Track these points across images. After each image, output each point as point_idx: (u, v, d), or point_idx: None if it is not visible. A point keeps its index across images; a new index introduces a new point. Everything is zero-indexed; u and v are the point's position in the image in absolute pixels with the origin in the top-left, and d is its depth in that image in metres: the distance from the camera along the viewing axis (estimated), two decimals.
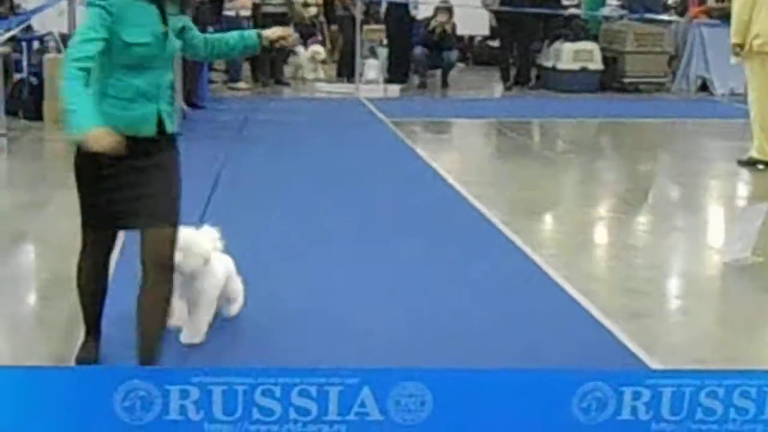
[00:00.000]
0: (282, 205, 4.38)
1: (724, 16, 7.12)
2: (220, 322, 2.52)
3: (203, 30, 4.21)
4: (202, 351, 2.31)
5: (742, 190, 5.29)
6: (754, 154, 5.11)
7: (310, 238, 3.83)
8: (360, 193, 4.79)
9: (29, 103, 5.98)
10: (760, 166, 5.10)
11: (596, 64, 8.35)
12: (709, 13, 8.26)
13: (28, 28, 6.86)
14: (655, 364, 2.39)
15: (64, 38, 6.04)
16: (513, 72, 8.73)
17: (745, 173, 5.40)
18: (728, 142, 6.24)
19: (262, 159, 5.50)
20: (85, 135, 1.69)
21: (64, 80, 1.77)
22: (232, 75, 8.53)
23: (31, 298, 3.00)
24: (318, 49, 8.59)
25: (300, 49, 8.60)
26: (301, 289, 3.06)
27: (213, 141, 5.82)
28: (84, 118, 1.70)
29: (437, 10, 8.55)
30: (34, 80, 6.05)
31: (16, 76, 6.33)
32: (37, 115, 5.80)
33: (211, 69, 8.30)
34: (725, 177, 5.44)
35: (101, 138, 1.67)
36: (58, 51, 6.04)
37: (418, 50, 8.44)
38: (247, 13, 8.12)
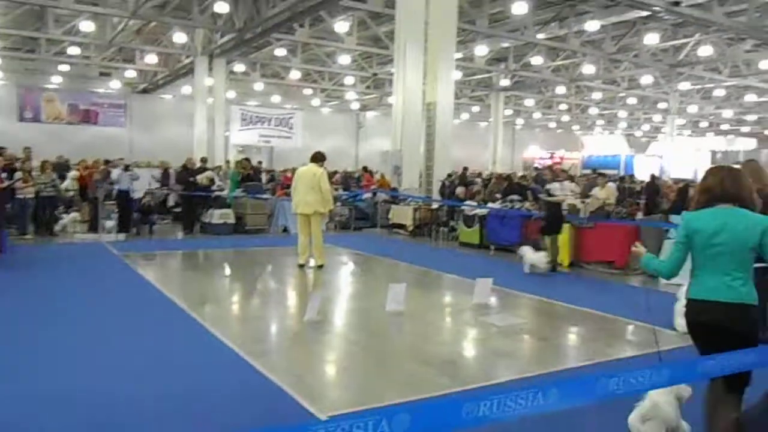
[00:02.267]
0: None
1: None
2: None
3: (1, 209, 10.00)
4: None
5: (296, 282, 9.65)
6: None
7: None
8: (97, 298, 7.51)
9: None
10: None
11: (232, 220, 15.18)
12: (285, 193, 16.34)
13: None
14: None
15: None
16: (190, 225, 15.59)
17: (294, 271, 10.45)
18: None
19: (42, 275, 9.06)
20: None
21: None
22: (22, 229, 13.19)
23: None
24: (76, 215, 14.56)
25: (64, 215, 14.49)
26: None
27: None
28: None
29: (147, 192, 15.22)
30: None
31: None
32: None
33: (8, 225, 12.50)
34: (292, 274, 10.27)
35: None
36: None
37: (135, 215, 14.85)
38: (31, 196, 13.13)
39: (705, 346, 3.34)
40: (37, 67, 31.24)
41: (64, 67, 30.28)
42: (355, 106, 41.48)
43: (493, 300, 8.17)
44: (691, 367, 2.23)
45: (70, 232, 14.08)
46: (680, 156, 34.62)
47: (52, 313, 7.02)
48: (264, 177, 19.73)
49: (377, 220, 16.87)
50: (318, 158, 10.49)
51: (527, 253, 10.43)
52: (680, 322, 5.79)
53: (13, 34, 24.34)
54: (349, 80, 32.17)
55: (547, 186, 11.40)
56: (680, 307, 5.62)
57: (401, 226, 16.23)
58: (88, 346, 5.83)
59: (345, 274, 10.99)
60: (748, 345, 2.96)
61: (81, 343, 5.93)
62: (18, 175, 12.68)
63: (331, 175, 23.40)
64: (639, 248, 3.93)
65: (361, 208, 17.17)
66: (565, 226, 11.45)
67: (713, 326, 3.27)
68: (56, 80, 32.85)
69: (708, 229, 3.31)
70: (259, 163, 24.09)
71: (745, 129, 47.54)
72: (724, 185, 3.43)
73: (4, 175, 11.68)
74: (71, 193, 15.15)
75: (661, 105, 38.24)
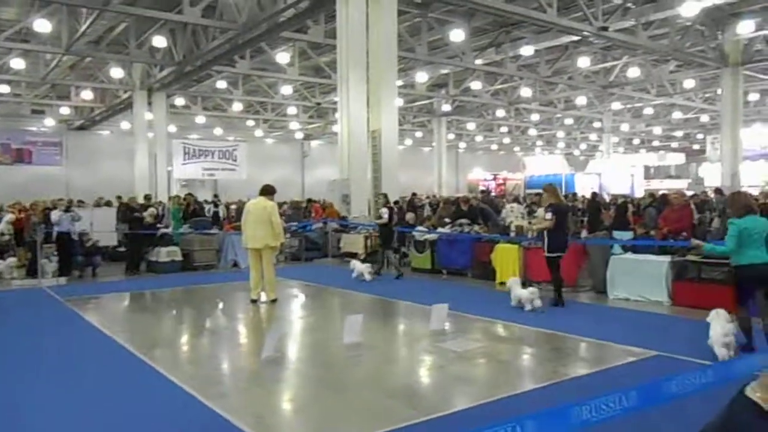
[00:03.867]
0: None
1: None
2: None
3: None
4: None
5: (250, 318, 9.52)
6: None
7: None
8: (40, 347, 7.13)
9: None
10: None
11: (179, 257, 14.78)
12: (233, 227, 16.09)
13: None
14: None
15: None
16: (135, 264, 15.11)
17: (246, 307, 10.16)
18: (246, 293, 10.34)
19: None
20: None
21: None
22: None
23: None
24: (13, 260, 13.90)
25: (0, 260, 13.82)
26: None
27: None
28: None
29: (82, 234, 14.60)
30: None
31: None
32: None
33: None
34: (245, 310, 9.83)
35: None
36: None
37: (79, 257, 14.24)
38: None
39: (756, 288, 6.55)
40: None
41: None
42: (300, 135, 41.49)
43: (449, 325, 8.21)
44: (655, 389, 2.30)
45: (7, 279, 13.43)
46: (617, 172, 35.93)
47: None
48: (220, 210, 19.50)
49: (328, 249, 16.79)
50: (268, 191, 10.40)
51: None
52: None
53: None
54: (292, 110, 32.22)
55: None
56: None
57: (353, 255, 16.17)
58: (33, 400, 5.53)
59: (299, 307, 10.85)
60: None
61: (24, 398, 5.62)
62: None
63: (279, 206, 23.31)
64: (697, 242, 7.78)
65: (311, 238, 17.05)
66: (513, 247, 11.69)
67: (759, 276, 6.47)
68: None
69: (749, 227, 6.50)
70: (215, 196, 23.82)
71: (674, 144, 49.92)
72: (749, 203, 6.94)
73: None
74: (6, 237, 14.46)
75: (596, 124, 39.81)
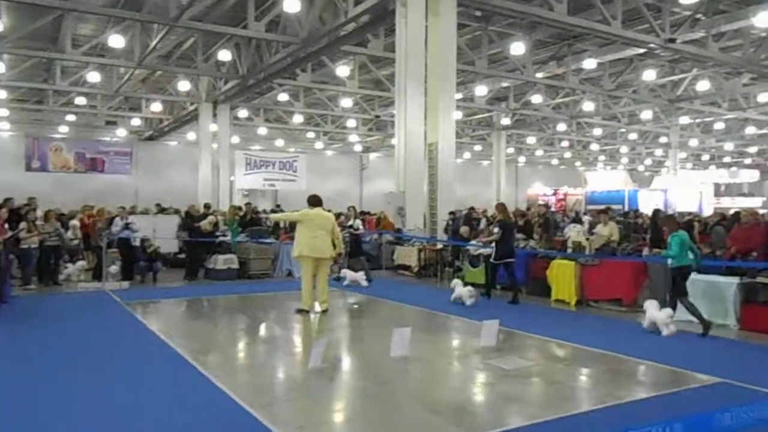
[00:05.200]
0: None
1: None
2: None
3: (5, 258, 10.00)
4: None
5: (300, 327, 9.43)
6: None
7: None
8: (98, 349, 7.45)
9: None
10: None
11: (236, 265, 15.22)
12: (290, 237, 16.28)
13: None
14: None
15: None
16: (194, 271, 15.52)
17: (298, 317, 9.89)
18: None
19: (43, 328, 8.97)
20: None
21: None
22: (25, 280, 13.23)
23: None
24: (83, 264, 14.53)
25: (69, 264, 14.47)
26: None
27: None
28: None
29: (144, 240, 15.08)
30: None
31: None
32: None
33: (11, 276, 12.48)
34: (296, 320, 9.76)
35: None
36: None
37: (141, 263, 14.76)
38: (35, 245, 13.15)
39: None
40: (44, 117, 31.73)
41: (71, 117, 30.74)
42: (358, 147, 41.83)
43: (500, 342, 8.03)
44: (705, 421, 2.14)
45: (75, 281, 14.04)
46: (684, 189, 34.53)
47: (51, 366, 6.93)
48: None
49: (382, 261, 16.77)
50: (320, 202, 10.48)
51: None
52: None
53: (22, 87, 24.79)
54: (351, 123, 32.49)
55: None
56: None
57: (406, 267, 16.12)
58: (88, 400, 5.71)
59: (349, 318, 10.85)
60: None
61: (81, 397, 5.81)
62: (22, 224, 12.68)
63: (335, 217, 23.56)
64: None
65: (365, 250, 17.08)
66: (570, 264, 11.36)
67: None
68: (63, 130, 33.32)
69: None
70: (278, 206, 24.23)
71: (747, 161, 47.59)
72: None
73: (6, 225, 11.68)
74: (75, 242, 15.13)
75: (663, 139, 38.40)
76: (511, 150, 40.50)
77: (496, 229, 11.83)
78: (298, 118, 31.07)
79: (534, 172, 50.45)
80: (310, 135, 37.30)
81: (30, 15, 16.67)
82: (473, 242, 14.37)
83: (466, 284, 11.92)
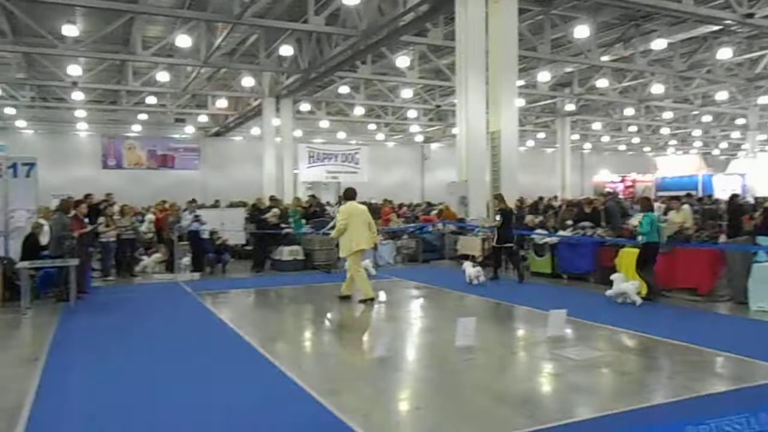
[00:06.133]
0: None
1: None
2: None
3: (86, 251, 10.58)
4: None
5: (364, 317, 9.49)
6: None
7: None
8: (174, 332, 8.08)
9: None
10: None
11: (301, 256, 15.41)
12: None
13: None
14: None
15: None
16: (261, 262, 15.88)
17: (362, 306, 9.89)
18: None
19: (127, 315, 9.55)
20: None
21: None
22: (105, 271, 13.97)
23: None
24: (158, 256, 15.16)
25: (145, 256, 15.12)
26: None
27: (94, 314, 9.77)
28: None
29: (213, 233, 15.59)
30: None
31: None
32: None
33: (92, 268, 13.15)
34: (360, 309, 9.83)
35: None
36: None
37: (210, 255, 15.26)
38: (113, 239, 13.82)
39: None
40: (118, 117, 33.21)
41: (143, 116, 32.04)
42: (419, 138, 41.73)
43: (568, 332, 7.86)
44: None
45: (150, 273, 14.64)
46: (764, 173, 32.68)
47: (128, 351, 7.29)
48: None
49: (445, 251, 16.70)
50: (355, 194, 10.82)
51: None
52: None
53: (97, 88, 26.02)
54: (412, 113, 32.43)
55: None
56: None
57: (469, 257, 15.96)
58: (164, 383, 5.97)
59: (413, 308, 10.86)
60: None
61: (157, 381, 6.07)
62: (101, 219, 13.31)
63: (398, 207, 23.64)
64: None
65: (428, 240, 17.06)
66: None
67: None
68: (136, 128, 34.80)
69: None
70: (341, 198, 24.36)
71: None
72: None
73: (86, 220, 12.28)
74: (149, 235, 15.79)
75: (740, 121, 36.49)
76: (576, 136, 39.45)
77: (498, 217, 12.74)
78: (359, 110, 31.27)
79: (600, 158, 49.00)
80: (372, 127, 37.47)
81: (103, 19, 17.45)
82: (538, 231, 14.11)
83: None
